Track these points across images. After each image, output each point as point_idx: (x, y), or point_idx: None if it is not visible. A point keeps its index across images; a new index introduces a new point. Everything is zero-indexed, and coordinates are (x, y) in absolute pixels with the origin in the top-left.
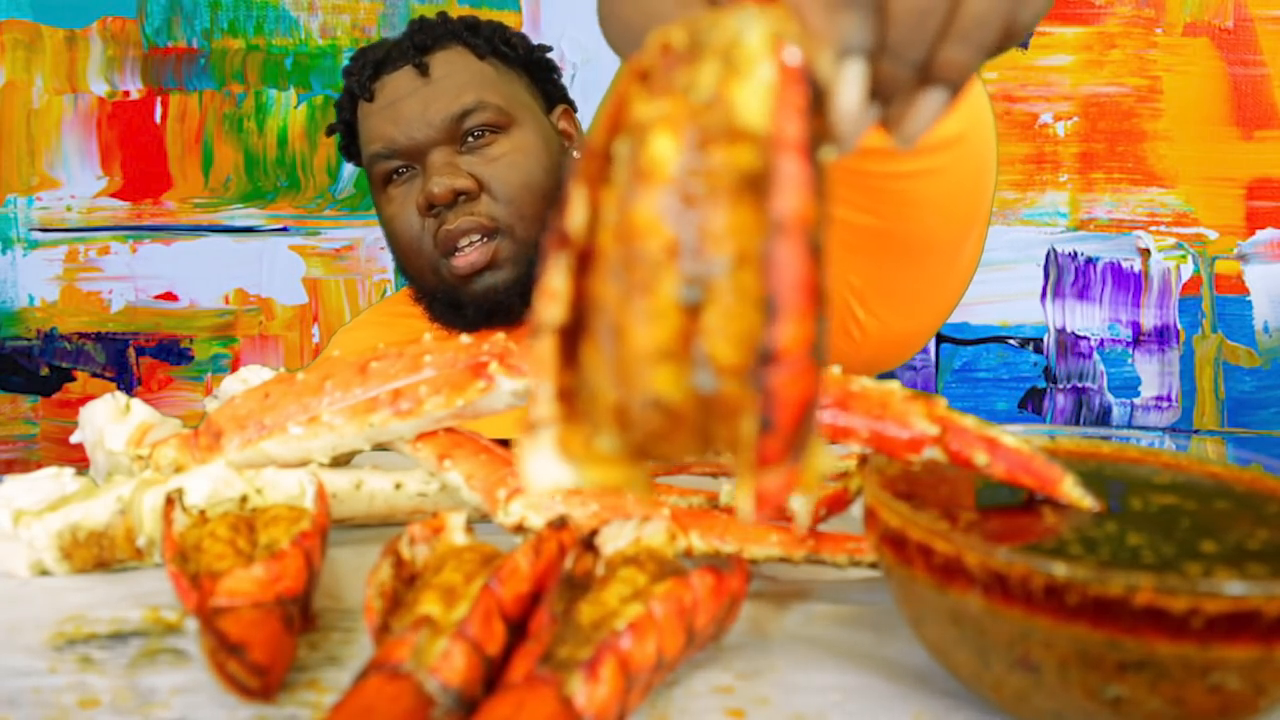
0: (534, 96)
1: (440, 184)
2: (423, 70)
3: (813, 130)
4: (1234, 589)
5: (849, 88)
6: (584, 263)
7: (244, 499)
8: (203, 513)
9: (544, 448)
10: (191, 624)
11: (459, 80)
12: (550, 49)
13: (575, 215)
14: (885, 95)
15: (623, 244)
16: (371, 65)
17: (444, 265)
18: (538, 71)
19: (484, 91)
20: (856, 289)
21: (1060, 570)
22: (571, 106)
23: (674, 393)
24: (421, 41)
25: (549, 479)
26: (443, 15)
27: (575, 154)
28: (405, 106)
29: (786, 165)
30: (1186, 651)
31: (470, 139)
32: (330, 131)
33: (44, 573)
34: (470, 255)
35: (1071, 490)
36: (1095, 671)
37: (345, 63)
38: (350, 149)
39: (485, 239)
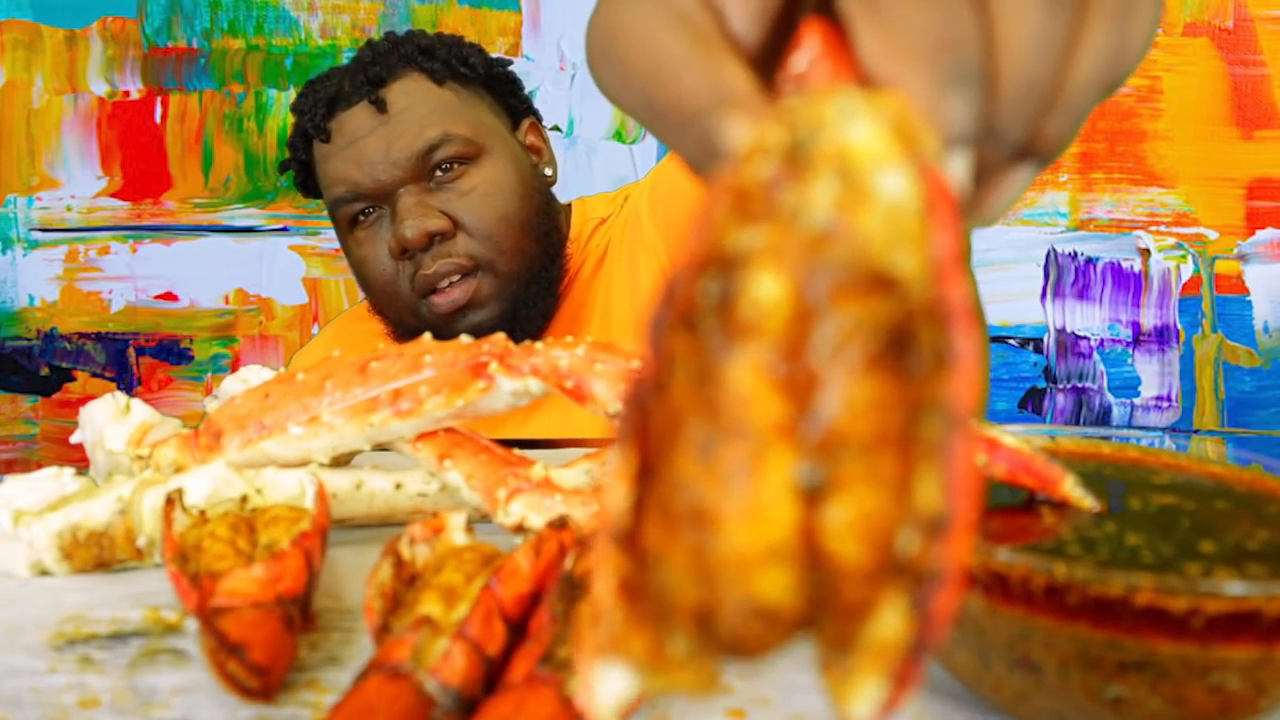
0: (498, 115)
1: (413, 227)
2: (380, 106)
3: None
4: (1234, 589)
5: (956, 185)
6: (647, 423)
7: (244, 499)
8: (203, 513)
9: (607, 655)
10: (192, 624)
11: (420, 113)
12: (510, 62)
13: (652, 368)
14: (977, 179)
15: (712, 413)
16: (325, 103)
17: (424, 306)
18: (499, 87)
19: (448, 122)
20: None
21: (1061, 570)
22: (537, 117)
23: (782, 597)
24: (375, 74)
25: (617, 694)
26: (392, 38)
27: (548, 171)
28: (366, 146)
29: (962, 344)
30: (1187, 652)
31: (439, 173)
32: (283, 169)
33: (44, 573)
34: (452, 293)
35: (1072, 490)
36: (1096, 672)
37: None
38: (307, 185)
39: (465, 277)
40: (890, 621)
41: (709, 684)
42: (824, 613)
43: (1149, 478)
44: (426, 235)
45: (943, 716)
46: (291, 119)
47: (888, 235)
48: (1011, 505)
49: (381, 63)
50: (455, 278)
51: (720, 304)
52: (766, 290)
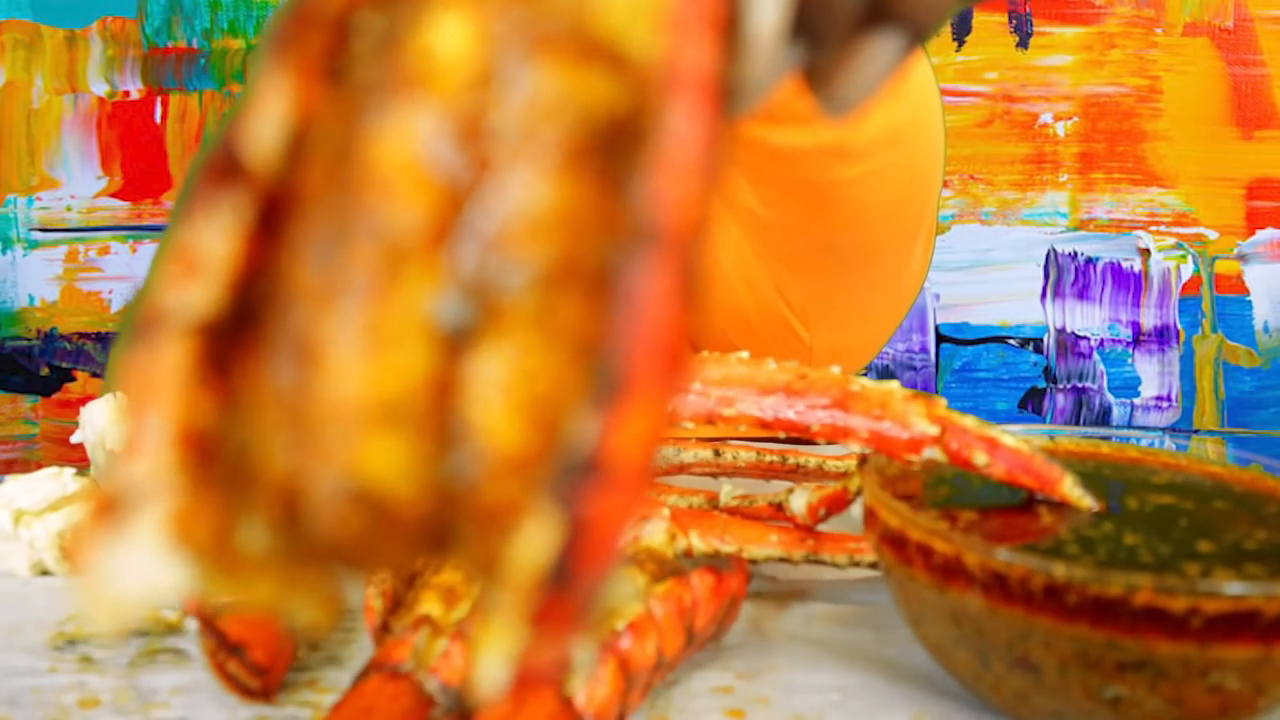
0: None
1: None
2: None
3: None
4: (1233, 589)
5: (766, 3)
6: (272, 217)
7: None
8: None
9: (140, 527)
10: (192, 624)
11: None
12: None
13: (265, 123)
14: (816, 32)
15: (346, 193)
16: None
17: None
18: None
19: None
20: (797, 307)
21: (1060, 570)
22: None
23: (394, 480)
24: None
25: (138, 583)
26: None
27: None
28: None
29: (679, 124)
30: (1186, 651)
31: None
32: None
33: (45, 573)
34: None
35: (1071, 490)
36: (1095, 671)
37: None
38: None
39: None
40: (536, 538)
41: (295, 600)
42: (460, 517)
43: (1148, 478)
44: None
45: (943, 717)
46: None
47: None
48: (1011, 505)
49: None
50: None
51: (380, 48)
52: (448, 35)
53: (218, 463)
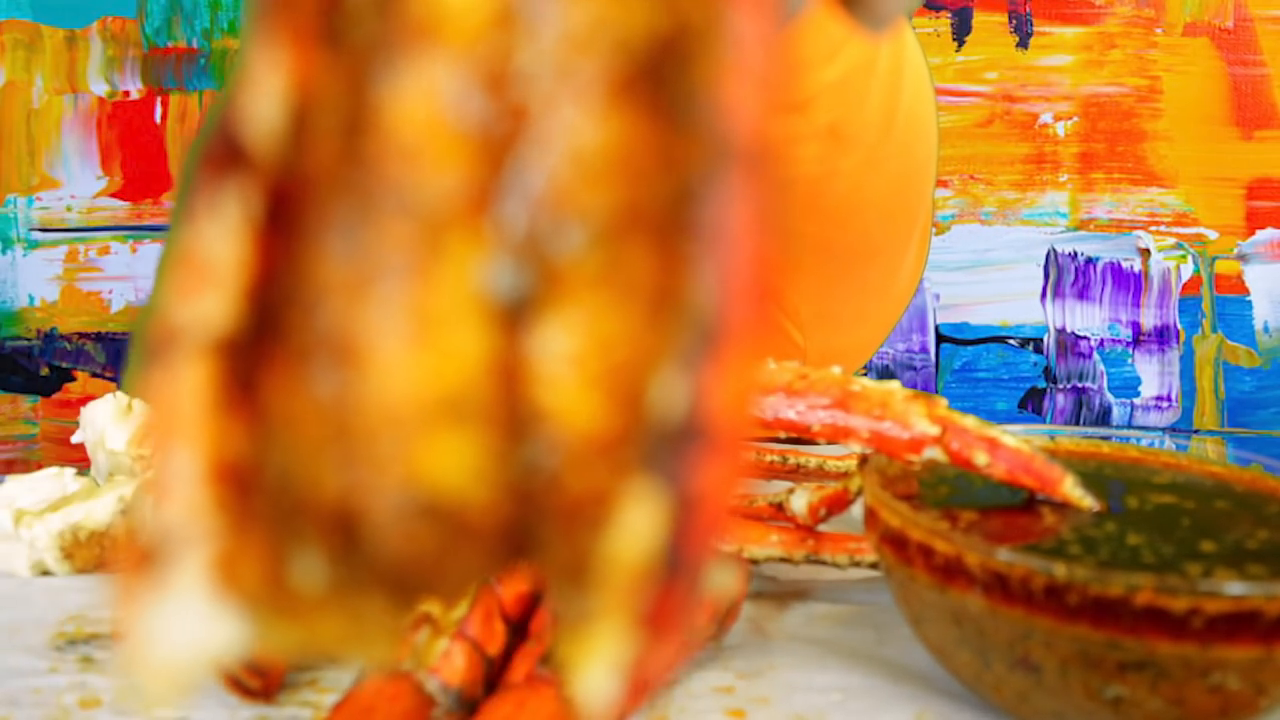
0: None
1: None
2: None
3: None
4: (1234, 589)
5: None
6: (278, 207)
7: None
8: None
9: (182, 580)
10: None
11: None
12: None
13: (263, 102)
14: None
15: (365, 167)
16: None
17: None
18: None
19: None
20: (790, 310)
21: (1061, 571)
22: None
23: (464, 484)
24: None
25: (188, 643)
26: None
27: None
28: None
29: (744, 29)
30: (1187, 651)
31: None
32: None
33: (45, 573)
34: None
35: (1072, 490)
36: (1096, 672)
37: None
38: None
39: None
40: (634, 526)
41: (369, 639)
42: (539, 518)
43: (1149, 478)
44: None
45: (943, 717)
46: None
47: None
48: (1011, 505)
49: None
50: None
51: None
52: None
53: (258, 495)
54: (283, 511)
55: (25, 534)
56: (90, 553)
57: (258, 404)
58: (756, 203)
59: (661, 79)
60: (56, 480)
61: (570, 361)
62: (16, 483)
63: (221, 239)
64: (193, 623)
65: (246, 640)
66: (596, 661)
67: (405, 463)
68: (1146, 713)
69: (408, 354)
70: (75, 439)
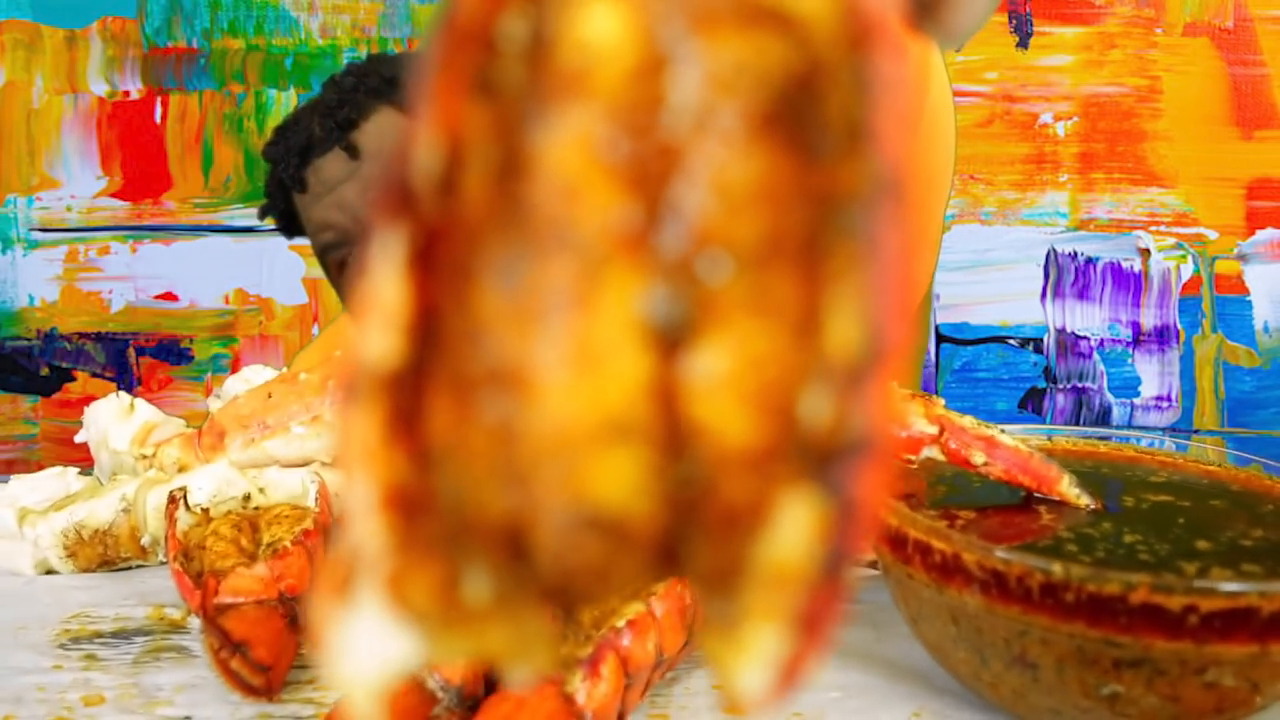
0: None
1: None
2: (352, 152)
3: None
4: (1229, 587)
5: None
6: (434, 250)
7: (247, 498)
8: (206, 511)
9: (365, 600)
10: (195, 622)
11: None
12: None
13: (424, 155)
14: None
15: (524, 208)
16: (297, 152)
17: None
18: None
19: None
20: None
21: (1057, 569)
22: None
23: (628, 499)
24: (344, 117)
25: (372, 658)
26: (356, 70)
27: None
28: (345, 192)
29: (886, 67)
30: (1182, 649)
31: None
32: (263, 214)
33: (49, 571)
34: None
35: (1068, 490)
36: (1092, 669)
37: (345, 63)
38: (289, 229)
39: None
40: (792, 532)
41: (532, 648)
42: (693, 527)
43: (1146, 477)
44: None
45: (941, 714)
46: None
47: None
48: (1009, 504)
49: (349, 103)
50: None
51: (531, 52)
52: (601, 25)
53: (429, 517)
54: (454, 531)
55: (29, 533)
56: (93, 551)
57: (420, 433)
58: (904, 228)
59: (795, 116)
60: (60, 479)
61: (723, 380)
62: (20, 482)
63: (392, 282)
64: (375, 638)
65: (422, 652)
66: (753, 658)
67: (573, 482)
68: (1142, 709)
69: (573, 380)
70: (79, 438)
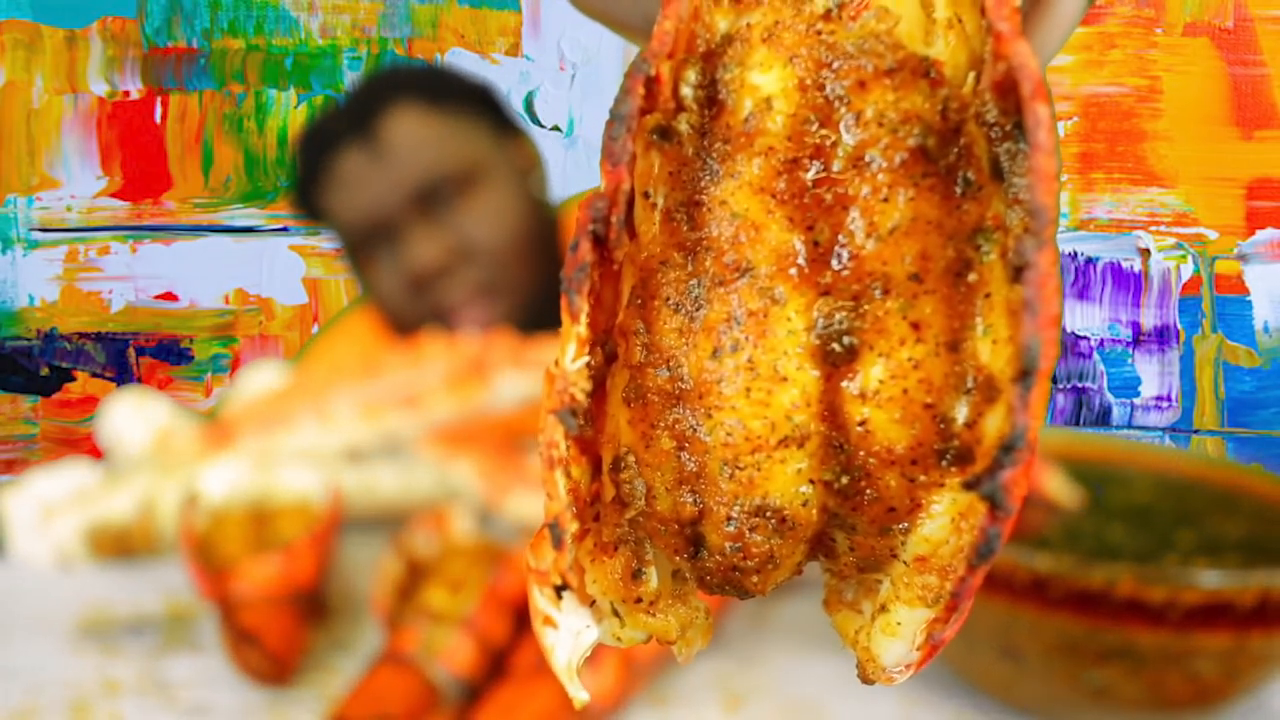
0: (494, 135)
1: (421, 260)
2: (372, 144)
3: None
4: (1210, 580)
5: None
6: (610, 273)
7: (260, 494)
8: (220, 507)
9: (568, 594)
10: (209, 614)
11: (414, 147)
12: (491, 87)
13: (621, 204)
14: None
15: (699, 252)
16: (317, 145)
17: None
18: (490, 107)
19: (443, 151)
20: None
21: (1043, 563)
22: (525, 134)
23: (798, 500)
24: (366, 108)
25: (576, 643)
26: (379, 72)
27: (544, 183)
28: (365, 185)
29: (1040, 112)
30: (1165, 640)
31: (440, 203)
32: (292, 204)
33: (67, 564)
34: (473, 315)
35: (1054, 485)
36: (1078, 660)
37: (345, 63)
38: (313, 219)
39: (482, 298)
40: (939, 524)
41: (697, 632)
42: (845, 522)
43: (1130, 473)
44: (436, 267)
45: (931, 704)
46: (303, 112)
47: (916, 8)
48: None
49: (371, 99)
50: (473, 301)
51: (707, 103)
52: (769, 81)
53: (616, 515)
54: (640, 528)
55: (48, 527)
56: (111, 544)
57: (606, 442)
58: (1055, 255)
59: (940, 157)
60: (78, 474)
61: (883, 390)
62: (39, 476)
63: (584, 314)
64: (577, 628)
65: (610, 636)
66: (899, 636)
67: (751, 487)
68: (1126, 699)
69: (750, 394)
70: (95, 434)
